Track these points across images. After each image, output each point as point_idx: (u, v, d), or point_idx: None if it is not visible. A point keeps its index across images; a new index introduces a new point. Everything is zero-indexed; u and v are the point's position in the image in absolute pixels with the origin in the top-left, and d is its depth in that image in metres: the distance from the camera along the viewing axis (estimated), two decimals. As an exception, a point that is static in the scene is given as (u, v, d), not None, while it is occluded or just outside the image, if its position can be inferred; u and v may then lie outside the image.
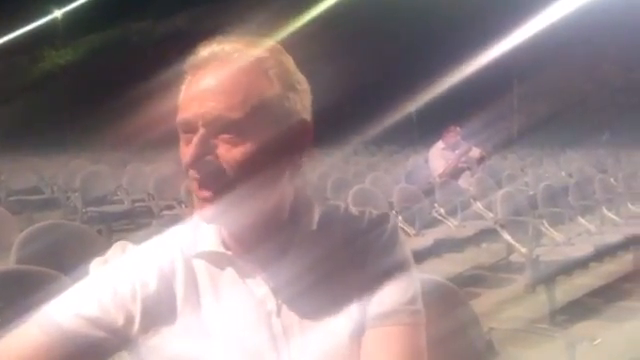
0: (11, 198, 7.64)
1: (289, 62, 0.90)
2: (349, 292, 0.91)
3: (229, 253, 0.91)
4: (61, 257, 2.56)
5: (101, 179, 7.40)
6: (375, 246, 0.94)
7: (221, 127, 0.83)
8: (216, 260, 0.92)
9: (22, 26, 33.92)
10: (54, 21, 36.50)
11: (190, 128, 0.85)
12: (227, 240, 0.92)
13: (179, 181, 5.89)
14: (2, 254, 3.03)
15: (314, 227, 0.93)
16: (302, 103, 0.90)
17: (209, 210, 0.85)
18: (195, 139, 0.83)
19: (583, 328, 3.79)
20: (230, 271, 0.91)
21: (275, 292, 0.90)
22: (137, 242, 0.98)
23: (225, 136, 0.83)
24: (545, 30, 16.21)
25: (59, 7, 35.81)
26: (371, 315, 0.91)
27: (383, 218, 0.98)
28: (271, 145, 0.85)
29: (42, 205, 7.84)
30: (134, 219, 7.18)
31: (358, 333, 0.90)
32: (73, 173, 7.89)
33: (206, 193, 0.85)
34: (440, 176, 6.75)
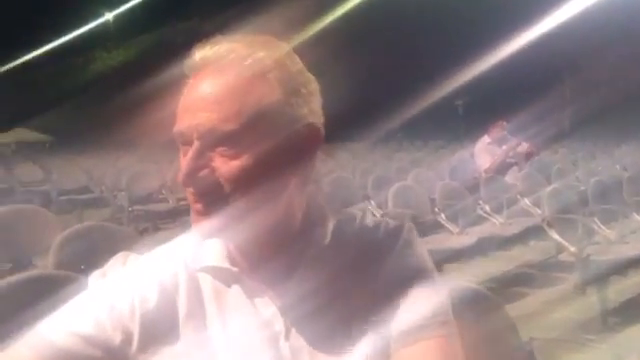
0: (62, 197, 7.87)
1: (293, 63, 0.83)
2: (364, 311, 0.84)
3: (235, 270, 0.85)
4: (99, 260, 2.59)
5: (147, 178, 7.53)
6: (389, 258, 0.87)
7: (216, 140, 0.77)
8: (222, 276, 0.86)
9: (75, 29, 35.08)
10: (105, 24, 37.59)
11: (186, 140, 0.79)
12: (233, 254, 0.86)
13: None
14: (46, 256, 3.10)
15: (327, 240, 0.86)
16: (309, 106, 0.83)
17: (204, 224, 0.79)
18: (190, 152, 0.78)
19: (637, 331, 3.60)
20: (236, 288, 0.86)
21: (283, 312, 0.84)
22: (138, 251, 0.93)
23: (221, 149, 0.77)
24: (599, 18, 15.61)
25: (110, 10, 36.84)
26: (396, 334, 0.83)
27: (398, 229, 0.90)
28: (272, 155, 0.78)
29: (91, 204, 8.05)
30: (178, 217, 7.28)
31: (376, 357, 0.83)
32: (120, 172, 8.06)
33: (201, 207, 0.79)
34: (486, 171, 6.57)
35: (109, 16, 37.84)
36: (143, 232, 6.22)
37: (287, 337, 0.83)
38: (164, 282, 0.86)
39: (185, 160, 0.79)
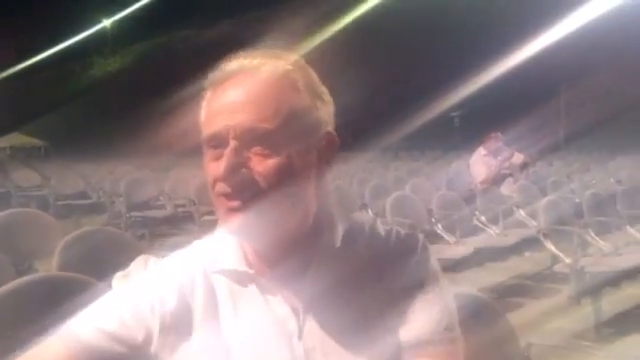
0: (60, 202, 7.89)
1: (314, 74, 0.89)
2: (376, 316, 0.88)
3: (251, 272, 0.89)
4: (101, 263, 2.61)
5: (144, 185, 7.57)
6: (405, 269, 0.90)
7: (254, 139, 0.81)
8: (238, 278, 0.90)
9: (73, 35, 35.11)
10: (103, 30, 37.64)
11: (219, 142, 0.83)
12: (249, 257, 0.90)
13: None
14: (48, 259, 3.12)
15: (337, 244, 0.90)
16: (328, 114, 0.89)
17: (237, 220, 0.83)
18: (228, 152, 0.81)
19: (630, 342, 3.64)
20: (252, 289, 0.89)
21: (297, 312, 0.88)
22: (171, 250, 0.97)
23: (257, 148, 0.81)
24: (594, 32, 15.76)
25: (108, 17, 36.91)
26: (405, 345, 0.87)
27: (412, 239, 0.94)
28: (301, 156, 0.84)
29: (89, 210, 8.08)
30: (176, 224, 7.30)
31: (383, 358, 0.87)
32: (118, 179, 8.09)
33: (237, 204, 0.82)
34: (482, 183, 6.63)
35: (107, 23, 37.91)
36: (140, 238, 6.24)
37: (300, 336, 0.87)
38: (182, 284, 0.90)
39: (223, 159, 0.82)
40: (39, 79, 36.64)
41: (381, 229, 0.95)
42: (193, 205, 6.53)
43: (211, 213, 6.29)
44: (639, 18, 17.36)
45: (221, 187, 0.83)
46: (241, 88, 0.83)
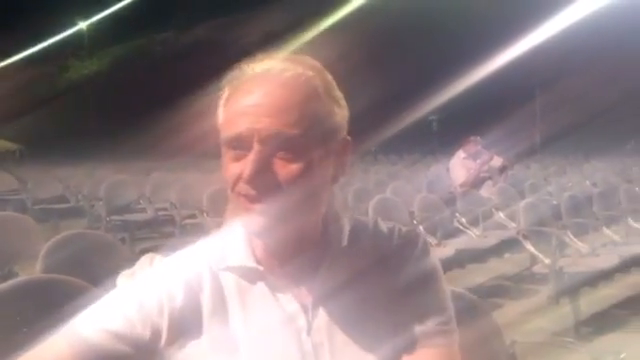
0: (37, 206, 7.77)
1: (331, 80, 0.91)
2: (382, 312, 0.91)
3: (261, 268, 0.91)
4: (87, 266, 2.59)
5: (125, 188, 7.49)
6: (408, 265, 0.93)
7: (278, 144, 0.82)
8: (247, 274, 0.91)
9: (48, 37, 34.62)
10: (80, 32, 37.16)
11: (242, 144, 0.84)
12: (259, 254, 0.92)
13: (202, 190, 5.94)
14: (28, 262, 3.09)
15: (345, 243, 0.92)
16: (344, 119, 0.91)
17: (258, 221, 0.84)
18: (253, 155, 0.82)
19: (608, 341, 3.72)
20: (261, 286, 0.91)
21: (306, 309, 0.90)
22: (164, 253, 0.98)
23: (281, 153, 0.83)
24: (569, 38, 16.03)
25: (84, 19, 36.47)
26: (407, 337, 0.90)
27: (414, 234, 0.97)
28: (321, 161, 0.86)
29: (67, 213, 7.97)
30: (157, 228, 7.25)
31: (390, 354, 0.89)
32: (98, 182, 8.00)
33: (258, 206, 0.84)
34: (461, 185, 6.71)
35: (83, 25, 37.43)
36: (121, 242, 6.18)
37: (309, 332, 0.89)
38: (189, 281, 0.91)
39: (248, 162, 0.82)
40: (14, 81, 36.06)
41: (384, 227, 0.98)
42: (174, 209, 6.50)
43: (192, 217, 6.27)
44: (611, 25, 17.73)
45: (244, 188, 0.84)
46: (266, 92, 0.84)
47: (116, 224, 6.86)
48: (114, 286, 0.95)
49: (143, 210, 7.17)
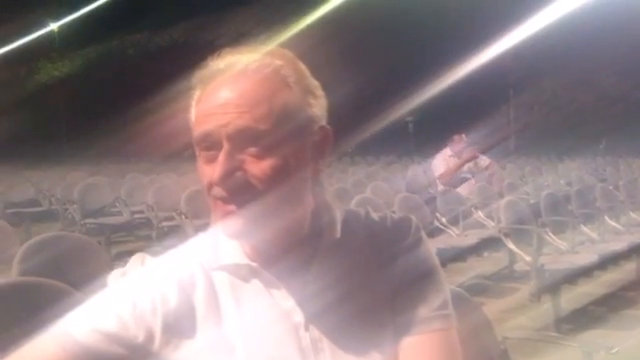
0: (9, 210, 7.61)
1: (304, 68, 0.87)
2: (379, 301, 0.89)
3: (254, 265, 0.88)
4: (64, 269, 2.52)
5: (99, 191, 7.36)
6: (402, 251, 0.91)
7: (247, 140, 0.79)
8: (240, 272, 0.88)
9: (18, 38, 33.98)
10: (50, 34, 36.56)
11: (212, 143, 0.80)
12: (250, 252, 0.89)
13: (178, 192, 5.86)
14: (2, 267, 3.00)
15: (338, 235, 0.89)
16: (321, 110, 0.88)
17: (235, 224, 0.81)
18: (221, 156, 0.79)
19: (588, 337, 3.76)
20: (254, 283, 0.88)
21: (302, 304, 0.87)
22: (153, 255, 0.94)
23: (252, 149, 0.79)
24: (541, 40, 16.29)
25: (55, 20, 35.90)
26: (404, 323, 0.88)
27: (406, 221, 0.94)
28: (296, 155, 0.82)
29: (40, 217, 7.82)
30: (133, 231, 7.14)
31: (390, 343, 0.87)
32: (71, 185, 7.86)
33: (233, 208, 0.80)
34: (440, 177, 6.75)
35: (54, 26, 36.84)
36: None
37: (307, 327, 0.86)
38: (182, 281, 0.88)
39: (217, 164, 0.79)
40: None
41: (375, 216, 0.95)
42: (151, 211, 6.40)
43: (170, 219, 6.18)
44: (582, 27, 18.06)
45: (217, 191, 0.80)
46: (232, 87, 0.80)
47: (91, 227, 6.74)
48: (94, 288, 0.90)
49: (119, 213, 7.04)
